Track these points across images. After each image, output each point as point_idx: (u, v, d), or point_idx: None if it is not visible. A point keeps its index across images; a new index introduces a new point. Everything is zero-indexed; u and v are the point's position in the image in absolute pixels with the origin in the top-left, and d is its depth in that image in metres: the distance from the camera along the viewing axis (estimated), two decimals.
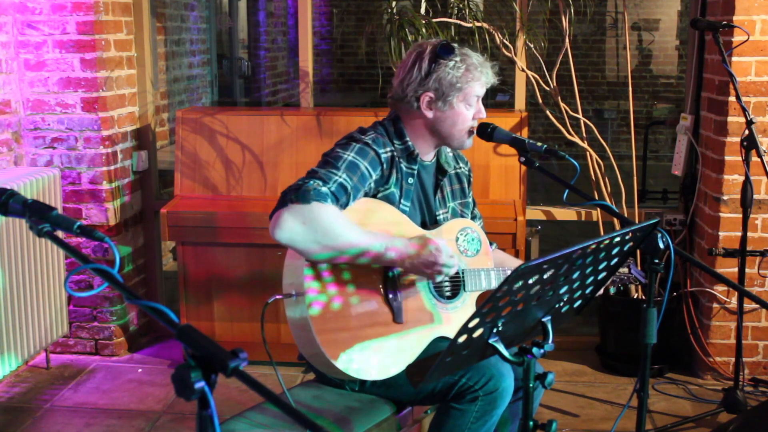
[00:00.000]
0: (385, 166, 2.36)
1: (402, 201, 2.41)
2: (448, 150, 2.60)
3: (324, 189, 2.18)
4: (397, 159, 2.40)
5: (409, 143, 2.44)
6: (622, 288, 2.44)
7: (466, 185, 2.65)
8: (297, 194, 2.15)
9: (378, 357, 2.26)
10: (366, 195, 2.34)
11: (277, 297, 2.22)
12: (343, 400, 2.35)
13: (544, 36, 4.20)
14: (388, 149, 2.39)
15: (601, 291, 2.25)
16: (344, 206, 2.24)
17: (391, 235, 2.29)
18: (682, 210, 4.07)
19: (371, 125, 2.47)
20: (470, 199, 2.67)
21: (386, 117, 2.51)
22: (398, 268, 2.30)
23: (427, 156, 2.51)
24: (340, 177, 2.23)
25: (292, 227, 2.13)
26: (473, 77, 2.41)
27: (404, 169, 2.42)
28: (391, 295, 2.31)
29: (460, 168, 2.64)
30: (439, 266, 2.27)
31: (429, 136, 2.46)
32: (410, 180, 2.43)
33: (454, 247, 2.45)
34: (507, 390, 2.26)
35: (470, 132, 2.46)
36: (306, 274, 2.20)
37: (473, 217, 2.65)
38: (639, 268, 2.49)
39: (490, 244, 2.63)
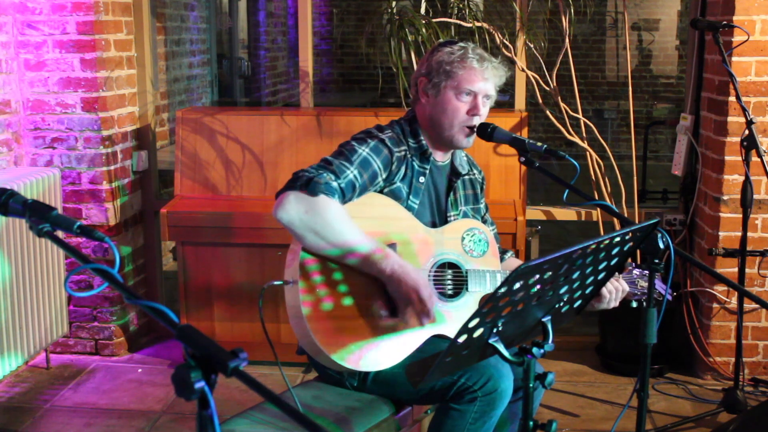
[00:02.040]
0: (395, 164, 2.38)
1: (411, 198, 2.42)
2: (463, 154, 2.62)
3: (334, 184, 2.22)
4: (409, 157, 2.43)
5: (423, 142, 2.46)
6: (644, 303, 2.40)
7: (479, 191, 2.66)
8: (307, 183, 2.20)
9: (374, 350, 2.26)
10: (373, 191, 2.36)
11: (274, 282, 2.23)
12: (343, 400, 2.35)
13: (544, 36, 4.20)
14: (402, 148, 2.42)
15: (617, 304, 2.29)
16: (349, 201, 2.27)
17: (387, 244, 2.29)
18: (682, 210, 4.06)
19: (388, 123, 2.50)
20: (482, 205, 2.69)
21: (404, 116, 2.54)
22: (383, 279, 2.28)
23: (441, 156, 2.52)
24: (352, 173, 2.26)
25: (294, 212, 2.19)
26: (465, 66, 2.40)
27: (416, 167, 2.44)
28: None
29: (474, 175, 2.65)
30: (418, 298, 2.25)
31: (429, 130, 2.47)
32: (421, 179, 2.44)
33: (459, 247, 2.45)
34: (506, 391, 2.26)
35: (467, 131, 2.44)
36: (306, 264, 2.21)
37: (484, 222, 2.65)
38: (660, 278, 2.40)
39: (505, 252, 2.66)
